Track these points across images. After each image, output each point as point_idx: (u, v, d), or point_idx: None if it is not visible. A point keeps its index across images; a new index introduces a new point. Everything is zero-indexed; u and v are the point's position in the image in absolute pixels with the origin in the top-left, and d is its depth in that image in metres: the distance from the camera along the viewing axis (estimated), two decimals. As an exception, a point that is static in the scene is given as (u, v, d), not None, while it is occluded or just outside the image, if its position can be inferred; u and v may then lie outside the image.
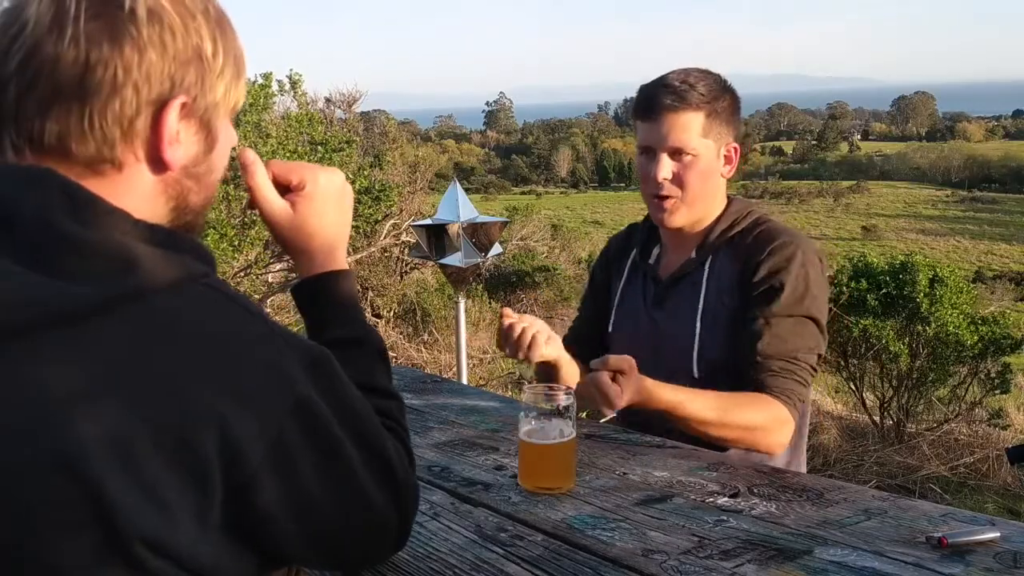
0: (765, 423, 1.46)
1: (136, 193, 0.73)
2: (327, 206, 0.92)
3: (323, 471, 0.72)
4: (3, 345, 0.61)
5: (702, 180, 1.56)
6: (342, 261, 0.94)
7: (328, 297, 0.92)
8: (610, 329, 1.75)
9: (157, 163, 0.73)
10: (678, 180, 1.56)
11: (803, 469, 1.63)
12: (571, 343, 1.84)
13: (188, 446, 0.63)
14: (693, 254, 1.63)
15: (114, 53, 0.68)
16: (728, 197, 1.67)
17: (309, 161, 9.33)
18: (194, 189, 0.77)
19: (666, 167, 1.55)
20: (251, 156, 0.91)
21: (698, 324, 1.57)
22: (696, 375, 1.55)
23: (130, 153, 0.71)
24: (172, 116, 0.72)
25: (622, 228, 1.90)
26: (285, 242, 0.93)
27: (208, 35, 0.73)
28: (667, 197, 1.57)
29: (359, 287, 10.85)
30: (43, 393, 0.61)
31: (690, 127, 1.53)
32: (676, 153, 1.55)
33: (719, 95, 1.55)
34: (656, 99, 1.54)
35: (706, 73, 1.57)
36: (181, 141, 0.74)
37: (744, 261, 1.56)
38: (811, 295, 1.51)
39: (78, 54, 0.68)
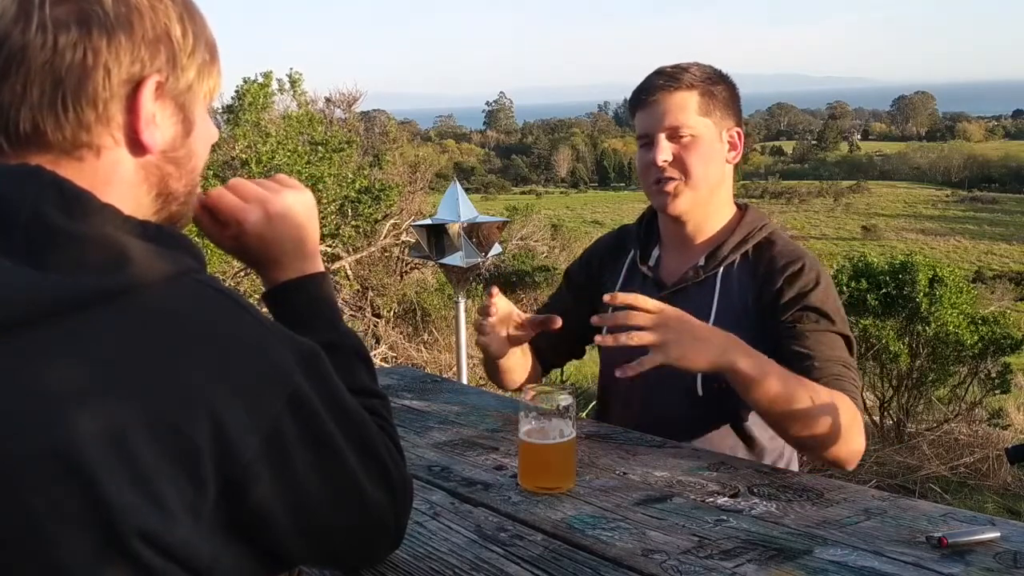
0: (851, 423, 1.33)
1: (118, 179, 0.73)
2: (263, 237, 0.90)
3: (318, 467, 0.72)
4: (0, 339, 0.61)
5: (704, 162, 1.51)
6: (305, 266, 0.92)
7: (293, 304, 0.91)
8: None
9: (135, 146, 0.73)
10: (679, 163, 1.50)
11: (795, 467, 1.61)
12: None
13: (183, 440, 0.63)
14: (702, 261, 1.56)
15: (82, 36, 0.68)
16: (744, 205, 1.63)
17: (310, 161, 9.35)
18: (174, 175, 0.77)
19: (665, 149, 1.50)
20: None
21: None
22: (700, 392, 1.49)
23: (107, 136, 0.71)
24: (147, 96, 0.72)
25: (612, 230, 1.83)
26: (240, 261, 0.94)
27: (175, 17, 0.74)
28: (669, 180, 1.51)
29: (359, 287, 10.86)
30: (38, 387, 0.61)
31: (686, 105, 1.50)
32: (674, 134, 1.50)
33: (715, 80, 1.53)
34: (650, 83, 1.53)
35: (700, 63, 1.55)
36: (158, 124, 0.74)
37: (761, 283, 1.50)
38: (844, 319, 1.48)
39: (46, 40, 0.68)
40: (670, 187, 1.52)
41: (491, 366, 1.67)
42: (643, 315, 1.24)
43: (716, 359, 1.26)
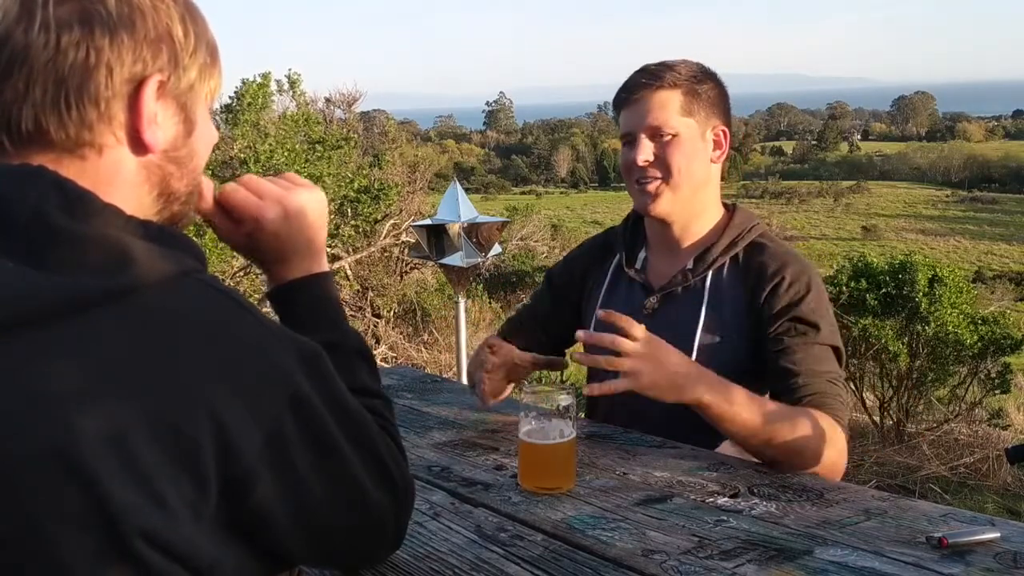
0: (829, 443, 1.31)
1: (120, 179, 0.73)
2: (279, 235, 0.90)
3: (319, 467, 0.72)
4: (1, 339, 0.62)
5: (686, 161, 1.48)
6: (312, 266, 0.92)
7: (298, 303, 0.92)
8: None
9: (137, 145, 0.73)
10: (660, 162, 1.48)
11: None
12: (507, 333, 1.76)
13: (184, 440, 0.63)
14: (690, 264, 1.53)
15: (85, 35, 0.69)
16: (733, 205, 1.60)
17: (309, 160, 9.35)
18: (176, 174, 0.78)
19: (646, 149, 1.48)
20: (202, 184, 0.90)
21: (695, 346, 1.47)
22: None
23: (109, 134, 0.72)
24: (149, 96, 0.72)
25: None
26: (246, 259, 0.94)
27: (177, 17, 0.74)
28: (650, 180, 1.49)
29: (359, 287, 10.87)
30: (40, 387, 0.61)
31: (668, 105, 1.48)
32: (656, 134, 1.48)
33: (701, 79, 1.51)
34: (633, 82, 1.51)
35: (688, 61, 1.53)
36: (160, 123, 0.74)
37: (751, 288, 1.48)
38: (834, 326, 1.46)
39: (49, 39, 0.68)
40: (651, 187, 1.50)
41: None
42: (625, 341, 1.24)
43: (682, 395, 1.27)
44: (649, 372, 1.24)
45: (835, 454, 1.32)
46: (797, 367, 1.39)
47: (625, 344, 1.24)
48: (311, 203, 0.92)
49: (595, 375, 1.67)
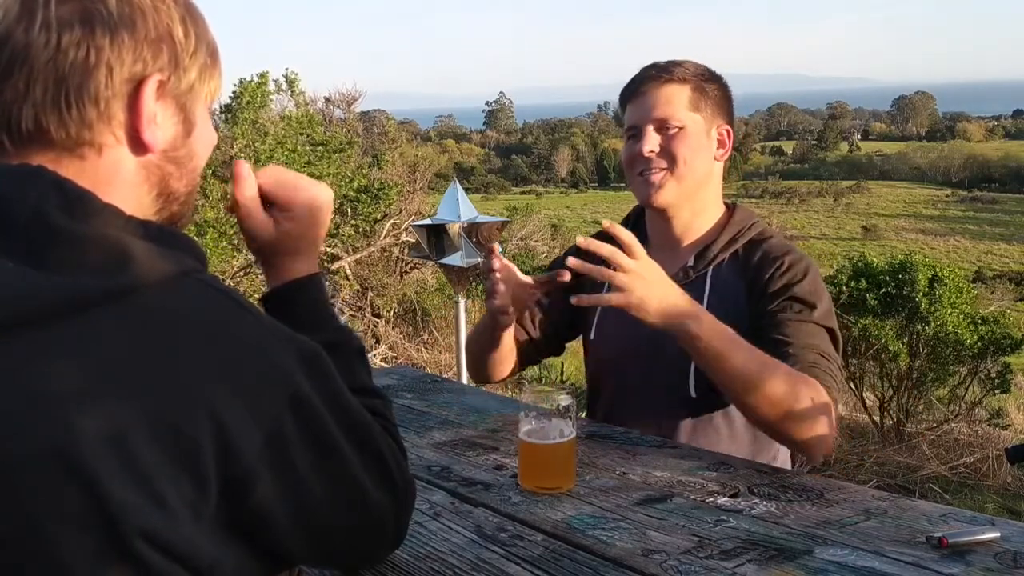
0: (817, 408, 1.29)
1: (120, 179, 0.73)
2: (307, 227, 0.93)
3: (319, 467, 0.72)
4: (1, 339, 0.62)
5: (691, 154, 1.49)
6: (310, 266, 0.94)
7: (299, 303, 0.92)
8: (591, 337, 1.65)
9: (137, 145, 0.74)
10: (666, 154, 1.49)
11: (788, 465, 1.60)
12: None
13: (184, 439, 0.63)
14: (691, 262, 1.54)
15: (85, 35, 0.69)
16: (732, 204, 1.61)
17: (310, 160, 9.34)
18: (175, 175, 0.78)
19: (652, 140, 1.49)
20: (245, 170, 0.92)
21: None
22: (693, 394, 1.48)
23: (109, 134, 0.72)
24: (148, 95, 0.72)
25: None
26: (258, 253, 0.95)
27: (178, 18, 0.75)
28: (654, 171, 1.50)
29: (359, 287, 10.86)
30: (39, 387, 0.61)
31: (676, 99, 1.49)
32: (663, 126, 1.49)
33: (708, 78, 1.53)
34: (642, 76, 1.53)
35: (694, 61, 1.54)
36: (159, 123, 0.74)
37: (751, 278, 1.49)
38: (830, 311, 1.46)
39: (49, 38, 0.68)
40: (655, 177, 1.51)
41: (481, 356, 1.66)
42: (623, 256, 1.25)
43: (670, 319, 1.26)
44: (641, 289, 1.24)
45: (822, 419, 1.30)
46: (789, 339, 1.40)
47: (622, 259, 1.24)
48: (329, 201, 0.96)
49: (601, 366, 1.66)
